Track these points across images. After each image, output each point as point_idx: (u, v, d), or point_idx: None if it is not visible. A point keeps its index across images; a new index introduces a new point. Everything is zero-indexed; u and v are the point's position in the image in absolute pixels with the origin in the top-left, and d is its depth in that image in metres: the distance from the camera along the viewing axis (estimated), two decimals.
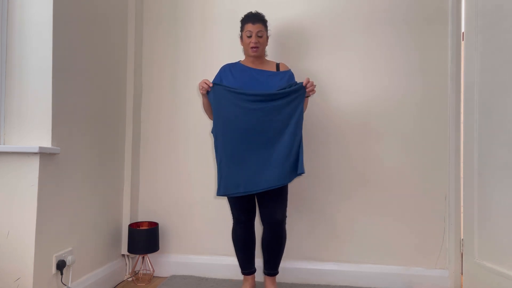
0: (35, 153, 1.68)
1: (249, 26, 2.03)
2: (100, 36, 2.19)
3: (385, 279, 2.30)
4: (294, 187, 2.42)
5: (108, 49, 2.28)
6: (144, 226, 2.47)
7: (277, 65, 2.15)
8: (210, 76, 2.45)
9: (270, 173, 1.87)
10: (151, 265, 2.50)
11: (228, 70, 2.09)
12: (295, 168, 1.92)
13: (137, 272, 2.48)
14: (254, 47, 2.03)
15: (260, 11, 2.24)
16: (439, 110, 2.33)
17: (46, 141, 1.76)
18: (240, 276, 2.33)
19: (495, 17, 1.99)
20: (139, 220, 2.58)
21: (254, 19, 2.04)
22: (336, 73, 2.43)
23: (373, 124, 2.38)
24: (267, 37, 2.13)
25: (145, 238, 2.33)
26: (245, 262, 2.15)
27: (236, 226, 2.13)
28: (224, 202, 2.48)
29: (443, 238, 2.30)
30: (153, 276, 2.50)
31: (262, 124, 1.91)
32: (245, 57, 2.16)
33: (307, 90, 1.95)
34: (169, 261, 2.52)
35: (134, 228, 2.38)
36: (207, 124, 2.52)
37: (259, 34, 2.04)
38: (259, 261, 2.32)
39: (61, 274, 1.83)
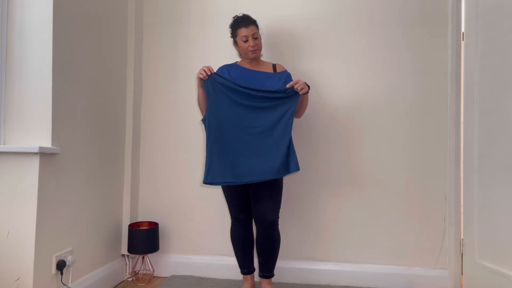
0: (35, 153, 1.68)
1: (243, 31, 2.02)
2: (100, 36, 2.19)
3: (385, 279, 2.30)
4: (294, 188, 2.42)
5: (108, 49, 2.28)
6: (144, 226, 2.47)
7: (274, 66, 2.16)
8: None
9: (258, 168, 1.89)
10: (151, 265, 2.50)
11: (226, 71, 2.09)
12: (285, 165, 1.93)
13: (137, 272, 2.48)
14: (253, 50, 2.03)
15: (256, 11, 2.24)
16: (439, 110, 2.33)
17: (46, 141, 1.76)
18: (240, 276, 2.33)
19: (495, 17, 1.99)
20: (139, 220, 2.58)
21: (245, 22, 2.02)
22: (334, 74, 2.42)
23: (373, 124, 2.38)
24: (261, 37, 2.13)
25: (145, 238, 2.33)
26: (244, 261, 2.15)
27: (234, 225, 2.13)
28: (224, 202, 2.48)
29: (443, 238, 2.30)
30: (153, 276, 2.50)
31: (254, 120, 1.93)
32: (242, 59, 2.16)
33: (296, 88, 1.95)
34: (169, 261, 2.52)
35: (134, 228, 2.38)
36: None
37: (255, 36, 2.04)
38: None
39: (61, 274, 1.83)
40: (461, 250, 2.24)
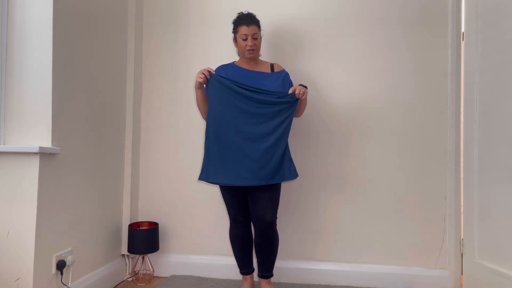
0: (35, 153, 1.68)
1: (244, 29, 2.01)
2: (100, 36, 2.19)
3: (385, 279, 2.30)
4: (295, 188, 2.42)
5: (108, 49, 2.28)
6: (144, 226, 2.47)
7: (272, 66, 2.15)
8: None
9: (251, 172, 1.89)
10: (151, 265, 2.50)
11: (223, 71, 2.09)
12: (280, 172, 1.93)
13: (137, 272, 2.48)
14: (251, 50, 2.03)
15: (256, 11, 2.23)
16: (439, 110, 2.33)
17: (46, 141, 1.76)
18: (240, 276, 2.33)
19: (495, 17, 1.99)
20: (139, 220, 2.58)
21: (248, 21, 2.02)
22: (334, 74, 2.43)
23: (373, 124, 2.38)
24: (261, 37, 2.12)
25: (145, 238, 2.33)
26: (243, 261, 2.15)
27: (233, 226, 2.13)
28: (224, 202, 2.48)
29: (443, 238, 2.30)
30: (153, 276, 2.50)
31: (252, 125, 1.93)
32: (240, 58, 2.16)
33: (297, 95, 1.94)
34: (169, 261, 2.52)
35: (134, 228, 2.38)
36: None
37: (254, 36, 2.03)
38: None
39: (61, 274, 1.83)
40: (461, 250, 2.24)
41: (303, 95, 1.95)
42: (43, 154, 1.71)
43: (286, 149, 1.96)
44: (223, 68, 2.11)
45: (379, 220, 2.36)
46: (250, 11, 2.10)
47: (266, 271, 2.08)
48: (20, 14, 1.79)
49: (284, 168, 1.95)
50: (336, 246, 2.39)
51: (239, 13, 2.09)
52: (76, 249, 1.97)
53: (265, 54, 2.44)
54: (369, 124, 2.39)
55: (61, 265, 1.82)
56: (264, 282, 2.09)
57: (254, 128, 1.93)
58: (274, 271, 2.14)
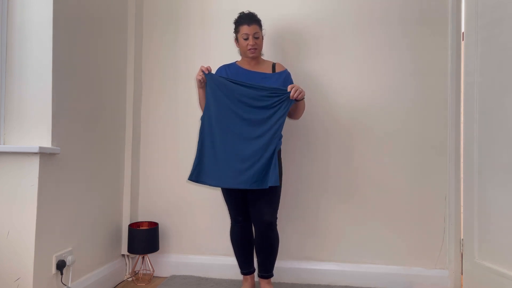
0: (35, 153, 1.68)
1: (245, 29, 2.02)
2: (100, 36, 2.19)
3: (385, 279, 2.30)
4: (295, 188, 2.42)
5: (108, 49, 2.28)
6: (144, 226, 2.47)
7: (273, 65, 2.15)
8: None
9: (236, 173, 1.89)
10: (151, 265, 2.50)
11: (224, 71, 2.10)
12: (264, 177, 1.89)
13: (137, 272, 2.48)
14: (252, 49, 2.03)
15: (257, 11, 2.23)
16: (439, 110, 2.33)
17: (46, 141, 1.76)
18: (240, 276, 2.33)
19: (495, 17, 1.99)
20: (139, 220, 2.58)
21: (249, 20, 2.02)
22: (334, 74, 2.43)
23: (373, 124, 2.38)
24: (262, 37, 2.12)
25: (145, 238, 2.33)
26: (244, 262, 2.15)
27: (234, 226, 2.13)
28: (224, 202, 2.47)
29: (443, 238, 2.30)
30: (153, 276, 2.49)
31: (244, 127, 1.93)
32: (242, 58, 2.16)
33: (291, 96, 1.90)
34: (169, 261, 2.52)
35: (134, 228, 2.38)
36: None
37: (256, 36, 2.03)
38: None
39: (61, 274, 1.83)
40: (461, 250, 2.24)
41: (299, 95, 1.90)
42: (43, 154, 1.71)
43: (274, 154, 1.90)
44: (224, 68, 2.12)
45: (379, 220, 2.36)
46: (251, 11, 2.11)
47: (266, 271, 2.08)
48: (20, 14, 1.79)
49: (269, 174, 1.88)
50: (336, 246, 2.39)
51: (240, 13, 2.09)
52: (76, 249, 1.97)
53: (267, 54, 2.43)
54: (369, 124, 2.39)
55: (61, 265, 1.82)
56: (264, 282, 2.09)
57: (246, 130, 1.93)
58: (274, 271, 2.14)
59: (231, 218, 2.14)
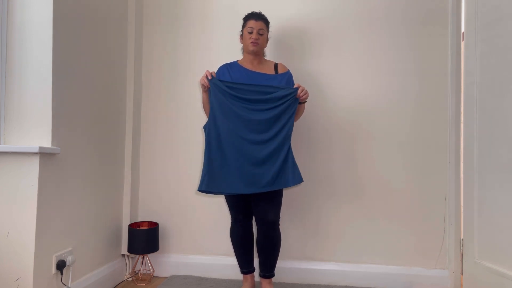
0: (35, 153, 1.68)
1: (252, 23, 2.06)
2: (100, 36, 2.19)
3: (385, 279, 2.30)
4: (295, 188, 2.42)
5: (108, 49, 2.28)
6: (144, 226, 2.47)
7: (276, 65, 2.15)
8: None
9: (255, 179, 1.89)
10: (151, 265, 2.50)
11: (226, 70, 2.10)
12: (284, 178, 1.91)
13: (137, 272, 2.48)
14: (254, 42, 2.04)
15: (259, 11, 2.24)
16: (439, 110, 2.33)
17: (46, 141, 1.76)
18: (240, 276, 2.33)
19: (495, 17, 1.99)
20: (139, 220, 2.58)
21: (257, 16, 2.08)
22: (335, 74, 2.43)
23: (373, 124, 2.38)
24: (267, 39, 2.16)
25: (145, 238, 2.33)
26: (244, 261, 2.15)
27: (234, 225, 2.13)
28: (224, 202, 2.48)
29: (443, 238, 2.30)
30: (153, 276, 2.50)
31: (253, 132, 1.93)
32: (244, 57, 2.17)
33: (299, 95, 1.95)
34: (169, 261, 2.52)
35: (134, 228, 2.38)
36: None
37: (260, 32, 2.06)
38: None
39: (61, 274, 1.83)
40: (461, 250, 2.24)
41: (304, 95, 1.96)
42: (43, 154, 1.71)
43: (288, 154, 1.94)
44: (226, 67, 2.12)
45: (379, 220, 2.36)
46: (249, 11, 2.13)
47: (267, 271, 2.08)
48: (20, 14, 1.79)
49: (288, 173, 1.92)
50: (336, 246, 2.39)
51: (251, 11, 2.15)
52: (76, 249, 1.97)
53: (269, 54, 2.43)
54: (369, 124, 2.39)
55: (61, 265, 1.82)
56: (265, 282, 2.09)
57: (255, 135, 1.93)
58: (275, 271, 2.14)
59: (231, 217, 2.15)
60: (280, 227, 2.10)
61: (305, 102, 2.07)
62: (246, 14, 2.14)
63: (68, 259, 1.87)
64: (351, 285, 2.32)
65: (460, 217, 2.26)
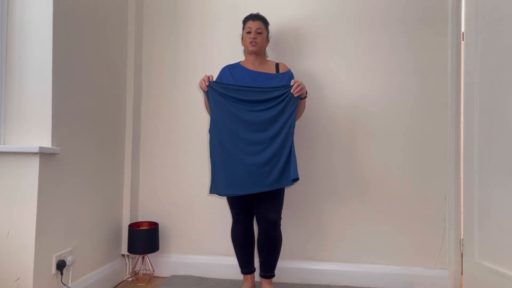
0: (35, 153, 1.68)
1: (250, 23, 2.10)
2: (100, 36, 2.19)
3: (385, 279, 2.30)
4: (295, 188, 2.42)
5: (108, 49, 2.28)
6: (144, 226, 2.47)
7: (277, 65, 2.16)
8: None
9: (259, 178, 1.90)
10: (151, 265, 2.50)
11: (228, 71, 2.12)
12: (286, 175, 1.93)
13: (137, 272, 2.48)
14: (253, 41, 2.06)
15: (259, 11, 2.25)
16: (439, 110, 2.33)
17: (46, 141, 1.76)
18: (240, 276, 2.33)
19: (495, 17, 1.99)
20: (139, 220, 2.58)
21: (254, 17, 2.11)
22: (335, 74, 2.43)
23: (373, 124, 2.38)
24: (267, 38, 2.17)
25: (145, 238, 2.33)
26: (244, 261, 2.15)
27: (235, 225, 2.13)
28: (224, 202, 2.48)
29: (443, 238, 2.30)
30: (153, 276, 2.50)
31: (254, 132, 1.95)
32: (245, 57, 2.18)
33: (293, 91, 1.95)
34: (169, 261, 2.52)
35: (134, 228, 2.38)
36: (207, 123, 2.52)
37: (258, 31, 2.09)
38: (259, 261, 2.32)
39: (61, 274, 1.83)
40: (461, 250, 2.24)
41: (299, 92, 1.95)
42: (43, 154, 1.71)
43: (291, 151, 1.95)
44: (228, 68, 2.15)
45: (379, 220, 2.36)
46: (249, 12, 2.15)
47: (268, 271, 2.08)
48: (20, 14, 1.79)
49: (290, 170, 1.93)
50: (336, 246, 2.39)
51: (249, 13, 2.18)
52: (76, 249, 1.97)
53: (269, 53, 2.43)
54: (369, 124, 2.39)
55: (61, 265, 1.82)
56: (265, 282, 2.09)
57: (257, 135, 1.94)
58: (275, 271, 2.14)
59: (232, 217, 2.15)
60: (281, 227, 2.11)
61: (305, 97, 2.06)
62: (244, 17, 2.17)
63: (68, 259, 1.87)
64: (351, 285, 2.32)
65: (460, 217, 2.26)
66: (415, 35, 2.36)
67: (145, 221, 2.49)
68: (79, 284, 1.98)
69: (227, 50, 2.51)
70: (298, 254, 2.41)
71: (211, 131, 2.01)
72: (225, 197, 2.44)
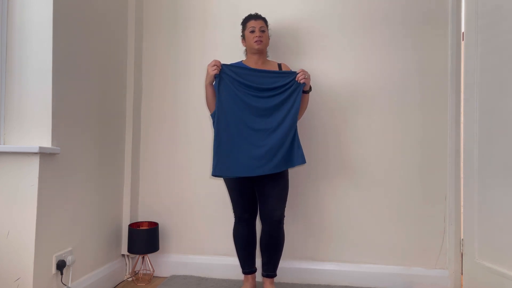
0: (35, 153, 1.68)
1: (252, 23, 2.10)
2: (100, 36, 2.19)
3: (385, 279, 2.30)
4: (295, 188, 2.42)
5: (108, 49, 2.28)
6: (144, 226, 2.47)
7: (279, 65, 2.17)
8: None
9: (263, 161, 1.92)
10: (151, 265, 2.50)
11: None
12: (289, 158, 1.97)
13: (137, 272, 2.48)
14: (258, 40, 2.06)
15: (258, 11, 2.26)
16: (439, 110, 2.33)
17: (46, 141, 1.76)
18: (240, 276, 2.33)
19: (495, 17, 1.99)
20: (139, 220, 2.58)
21: (255, 16, 2.12)
22: (335, 74, 2.42)
23: (373, 124, 2.38)
24: (269, 37, 2.17)
25: (145, 238, 2.33)
26: (246, 261, 2.15)
27: (238, 224, 2.13)
28: (224, 202, 2.48)
29: (443, 238, 2.30)
30: (153, 276, 2.50)
31: (260, 118, 1.98)
32: (248, 57, 2.18)
33: (297, 78, 1.98)
34: (169, 261, 2.52)
35: (134, 228, 2.38)
36: (207, 123, 2.52)
37: (262, 29, 2.10)
38: (259, 261, 2.31)
39: (61, 274, 1.83)
40: (461, 250, 2.24)
41: (304, 79, 1.97)
42: (43, 154, 1.71)
43: (295, 137, 1.99)
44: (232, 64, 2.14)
45: (379, 220, 2.36)
46: (250, 12, 2.15)
47: (271, 271, 2.08)
48: (20, 14, 1.79)
49: (294, 155, 1.97)
50: (336, 246, 2.39)
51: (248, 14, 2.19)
52: (76, 249, 1.97)
53: (270, 55, 2.43)
54: (368, 124, 2.39)
55: (61, 265, 1.82)
56: (268, 281, 2.09)
57: (262, 120, 1.97)
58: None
59: (235, 216, 2.14)
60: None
61: (310, 91, 2.09)
62: (244, 17, 2.17)
63: (68, 259, 1.87)
64: (351, 285, 2.32)
65: (460, 217, 2.26)
66: (415, 35, 2.36)
67: (145, 221, 2.49)
68: (79, 284, 1.98)
69: (227, 50, 2.51)
70: (298, 254, 2.41)
71: (217, 115, 1.99)
72: (227, 197, 2.45)
